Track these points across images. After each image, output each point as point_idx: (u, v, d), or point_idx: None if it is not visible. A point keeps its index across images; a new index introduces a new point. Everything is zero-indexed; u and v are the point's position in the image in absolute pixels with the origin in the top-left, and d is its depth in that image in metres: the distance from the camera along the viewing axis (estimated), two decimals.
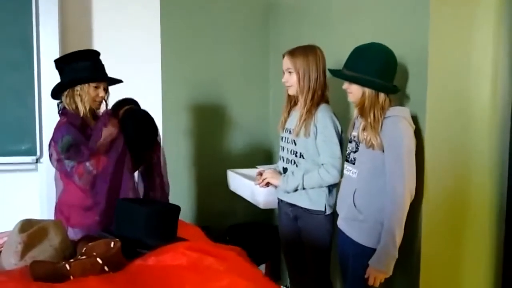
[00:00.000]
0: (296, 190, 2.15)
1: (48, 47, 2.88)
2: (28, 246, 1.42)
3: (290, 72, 2.15)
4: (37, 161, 2.96)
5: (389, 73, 1.83)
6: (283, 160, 2.28)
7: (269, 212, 3.43)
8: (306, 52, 2.14)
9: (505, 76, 1.98)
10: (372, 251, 1.80)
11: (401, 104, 1.97)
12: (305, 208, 2.17)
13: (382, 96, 1.81)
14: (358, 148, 1.90)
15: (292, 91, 2.18)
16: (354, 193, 1.89)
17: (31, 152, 2.94)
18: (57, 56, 2.85)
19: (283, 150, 2.28)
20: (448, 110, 1.90)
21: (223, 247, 1.57)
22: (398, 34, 2.02)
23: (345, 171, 2.00)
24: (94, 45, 3.06)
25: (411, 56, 1.94)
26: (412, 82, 1.95)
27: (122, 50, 3.07)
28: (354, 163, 1.92)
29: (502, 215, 2.05)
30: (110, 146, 1.97)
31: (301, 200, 2.17)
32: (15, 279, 1.28)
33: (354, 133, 1.94)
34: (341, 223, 2.02)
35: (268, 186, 2.30)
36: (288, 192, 2.20)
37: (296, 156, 2.18)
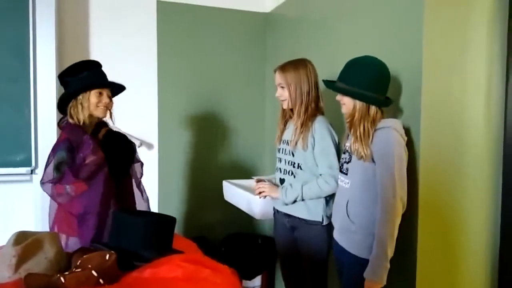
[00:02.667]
0: (295, 201, 2.16)
1: (45, 57, 2.88)
2: (22, 259, 1.40)
3: (282, 87, 2.18)
4: (32, 172, 2.94)
5: (381, 86, 1.85)
6: (280, 171, 2.28)
7: (265, 223, 3.42)
8: (297, 66, 2.17)
9: (499, 88, 2.00)
10: (365, 261, 1.81)
11: (395, 116, 1.98)
12: (303, 219, 2.17)
13: (373, 108, 1.83)
14: (351, 159, 1.92)
15: (285, 105, 2.20)
16: (347, 204, 1.90)
17: (26, 163, 2.92)
18: (53, 66, 2.87)
19: (280, 161, 2.28)
20: (443, 121, 1.91)
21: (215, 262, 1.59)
22: (393, 46, 2.04)
23: (339, 182, 2.02)
24: (91, 54, 3.07)
25: (405, 69, 1.96)
26: (406, 94, 1.97)
27: (119, 59, 3.08)
28: (347, 174, 1.94)
29: (496, 225, 2.05)
30: (94, 173, 1.98)
31: (299, 211, 2.18)
32: None
33: (348, 144, 1.96)
34: (335, 234, 2.03)
35: (265, 198, 2.30)
36: (286, 204, 2.20)
37: (294, 167, 2.19)
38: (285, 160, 2.25)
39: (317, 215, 2.14)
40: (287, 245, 2.31)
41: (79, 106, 2.02)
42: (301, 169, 2.17)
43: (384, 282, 1.76)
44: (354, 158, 1.88)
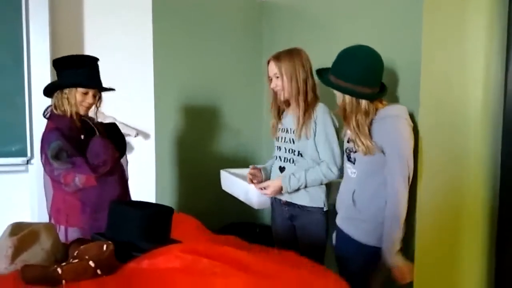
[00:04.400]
0: (298, 189, 2.15)
1: (38, 49, 2.85)
2: (18, 250, 1.40)
3: (277, 77, 2.15)
4: (27, 162, 2.92)
5: (373, 78, 1.82)
6: (280, 160, 2.27)
7: (262, 212, 3.42)
8: (291, 55, 2.14)
9: (498, 80, 1.99)
10: (372, 249, 1.83)
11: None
12: (303, 206, 2.17)
13: (363, 102, 1.81)
14: (356, 149, 1.89)
15: (282, 96, 2.17)
16: (353, 193, 1.90)
17: (21, 153, 2.90)
18: (47, 57, 2.83)
19: (280, 149, 2.27)
20: (441, 114, 1.90)
21: (218, 239, 1.68)
22: (392, 35, 2.02)
23: (346, 169, 2.00)
24: (85, 46, 3.03)
25: (404, 58, 1.95)
26: (404, 86, 1.96)
27: (114, 52, 3.03)
28: (354, 163, 1.92)
29: (495, 211, 2.06)
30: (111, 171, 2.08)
31: (300, 198, 2.18)
32: (6, 283, 1.26)
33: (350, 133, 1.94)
34: (340, 222, 2.02)
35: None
36: (289, 193, 2.19)
37: (294, 154, 2.19)
38: (285, 148, 2.23)
39: (318, 201, 2.15)
40: (285, 234, 2.31)
41: (65, 100, 2.05)
42: (301, 156, 2.16)
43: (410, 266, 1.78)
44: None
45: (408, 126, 1.78)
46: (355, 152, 1.90)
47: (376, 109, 1.84)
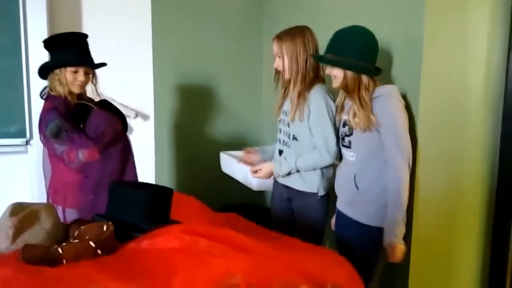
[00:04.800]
0: (289, 173, 2.15)
1: (36, 29, 2.83)
2: (19, 230, 1.40)
3: (279, 57, 2.13)
4: (27, 143, 2.93)
5: (370, 55, 1.84)
6: (280, 142, 2.26)
7: (262, 194, 3.43)
8: (293, 34, 2.10)
9: (499, 62, 1.99)
10: (376, 229, 1.85)
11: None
12: (299, 190, 2.16)
13: (364, 78, 1.82)
14: (351, 132, 1.90)
15: (285, 75, 2.14)
16: (354, 177, 1.89)
17: (21, 134, 2.91)
18: (45, 36, 2.80)
19: (280, 132, 2.26)
20: (442, 94, 1.90)
21: (219, 217, 1.75)
22: (394, 19, 2.00)
23: (343, 154, 2.00)
24: (83, 26, 3.00)
25: (406, 41, 1.93)
26: (406, 65, 1.95)
27: (112, 33, 3.01)
28: (350, 147, 1.92)
29: (492, 199, 2.08)
30: (112, 142, 2.07)
31: (294, 182, 2.17)
32: (7, 263, 1.27)
33: (345, 117, 1.93)
34: (342, 206, 2.01)
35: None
36: (281, 176, 2.19)
37: (289, 138, 2.17)
38: (283, 131, 2.22)
39: (312, 186, 2.13)
40: (282, 216, 2.31)
41: (57, 81, 2.04)
42: (296, 140, 2.14)
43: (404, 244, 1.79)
44: (357, 130, 1.86)
45: (399, 103, 1.80)
46: (350, 135, 1.91)
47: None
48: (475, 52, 1.93)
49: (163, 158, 3.28)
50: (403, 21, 1.95)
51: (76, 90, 2.07)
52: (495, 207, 2.05)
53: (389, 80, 2.00)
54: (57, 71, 2.03)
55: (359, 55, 1.80)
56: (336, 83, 1.87)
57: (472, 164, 2.00)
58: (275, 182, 2.33)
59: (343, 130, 1.97)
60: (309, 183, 2.14)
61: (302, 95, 2.08)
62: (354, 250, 1.90)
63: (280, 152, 2.25)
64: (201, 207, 2.03)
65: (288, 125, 2.17)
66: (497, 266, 2.06)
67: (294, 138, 2.15)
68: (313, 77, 2.10)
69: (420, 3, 1.84)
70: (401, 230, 1.78)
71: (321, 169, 2.13)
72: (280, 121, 2.26)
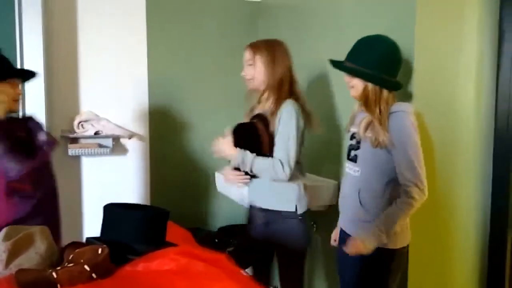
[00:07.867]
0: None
1: (32, 24, 2.78)
2: (13, 254, 1.38)
3: (250, 65, 2.05)
4: None
5: (393, 68, 1.76)
6: None
7: None
8: (269, 45, 2.05)
9: (489, 73, 2.02)
10: (385, 250, 1.74)
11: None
12: (277, 211, 2.05)
13: (385, 92, 1.73)
14: (359, 146, 1.82)
15: (251, 85, 2.07)
16: (359, 193, 1.81)
17: None
18: (40, 36, 2.76)
19: None
20: (435, 107, 1.93)
21: (210, 252, 1.55)
22: (385, 29, 2.03)
23: (346, 170, 1.91)
24: (78, 29, 2.97)
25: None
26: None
27: (107, 41, 3.00)
28: (356, 161, 1.84)
29: (486, 214, 2.08)
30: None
31: (270, 203, 2.07)
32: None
33: (354, 129, 1.85)
34: (346, 225, 1.93)
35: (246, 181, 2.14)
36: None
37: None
38: None
39: (288, 203, 2.03)
40: (261, 243, 2.17)
41: None
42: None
43: (369, 251, 1.69)
44: (365, 145, 1.77)
45: (414, 121, 1.72)
46: (357, 149, 1.83)
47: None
48: (466, 63, 1.97)
49: (159, 179, 3.25)
50: (393, 31, 1.96)
51: (15, 107, 1.96)
52: (490, 215, 2.06)
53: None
54: None
55: (382, 67, 1.71)
56: (355, 93, 1.79)
57: (464, 175, 2.02)
58: (250, 208, 2.23)
59: (350, 143, 1.89)
60: (285, 200, 2.03)
61: (274, 109, 1.99)
62: (364, 271, 1.80)
63: None
64: (188, 239, 1.91)
65: None
66: (495, 272, 2.06)
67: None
68: (287, 91, 2.02)
69: (410, 15, 1.87)
70: (378, 237, 1.67)
71: (298, 184, 2.04)
72: None
